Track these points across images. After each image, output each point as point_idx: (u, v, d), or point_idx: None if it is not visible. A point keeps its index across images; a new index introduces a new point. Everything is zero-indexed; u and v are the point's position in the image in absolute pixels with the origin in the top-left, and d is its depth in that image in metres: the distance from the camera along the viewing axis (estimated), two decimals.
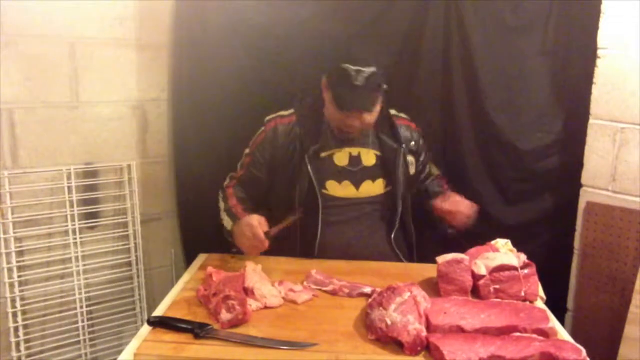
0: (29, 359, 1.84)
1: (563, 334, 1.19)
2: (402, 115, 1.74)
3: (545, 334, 1.12)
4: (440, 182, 1.81)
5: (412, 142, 1.70)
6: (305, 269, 1.47)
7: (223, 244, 1.65)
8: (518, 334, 1.11)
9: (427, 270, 1.47)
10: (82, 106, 1.84)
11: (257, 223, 1.44)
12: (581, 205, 1.90)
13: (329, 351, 1.10)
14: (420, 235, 1.75)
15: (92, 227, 1.92)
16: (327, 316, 1.25)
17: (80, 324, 1.90)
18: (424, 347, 1.10)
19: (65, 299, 1.88)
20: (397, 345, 1.11)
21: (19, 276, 1.79)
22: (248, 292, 1.28)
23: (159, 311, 1.27)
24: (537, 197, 2.01)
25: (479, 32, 1.90)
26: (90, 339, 1.94)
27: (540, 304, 1.32)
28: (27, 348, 1.83)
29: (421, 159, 1.75)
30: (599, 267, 1.85)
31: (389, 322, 1.12)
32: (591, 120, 1.85)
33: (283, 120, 1.67)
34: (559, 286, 1.92)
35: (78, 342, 1.91)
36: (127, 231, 1.97)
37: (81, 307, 1.89)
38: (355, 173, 1.63)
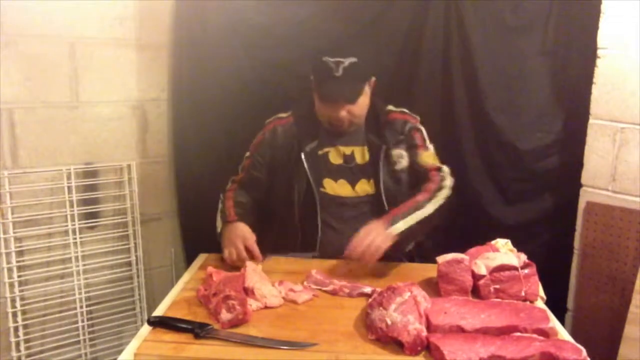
0: (29, 359, 1.84)
1: (563, 334, 1.19)
2: (397, 109, 1.71)
3: (545, 334, 1.12)
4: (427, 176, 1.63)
5: (402, 136, 1.65)
6: (305, 269, 1.47)
7: (220, 243, 1.65)
8: (518, 334, 1.11)
9: (427, 270, 1.47)
10: (82, 106, 1.84)
11: (242, 239, 1.47)
12: (581, 205, 1.90)
13: (329, 351, 1.10)
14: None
15: (92, 227, 1.92)
16: (327, 316, 1.25)
17: (80, 324, 1.90)
18: (424, 347, 1.10)
19: (65, 299, 1.88)
20: (397, 345, 1.11)
21: (19, 276, 1.79)
22: (248, 292, 1.28)
23: (159, 311, 1.27)
24: (537, 197, 2.01)
25: (479, 32, 1.90)
26: (90, 339, 1.94)
27: (540, 304, 1.32)
28: (27, 348, 1.83)
29: (415, 149, 1.66)
30: (599, 267, 1.85)
31: (389, 322, 1.12)
32: (591, 120, 1.85)
33: (282, 121, 1.70)
34: (559, 286, 1.92)
35: (78, 342, 1.91)
36: (127, 231, 1.97)
37: (81, 307, 1.89)
38: (351, 172, 1.64)
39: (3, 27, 1.66)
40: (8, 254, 1.76)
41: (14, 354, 1.79)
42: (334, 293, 1.36)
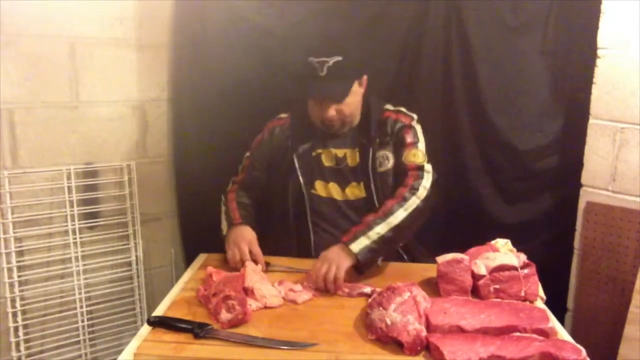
0: (29, 359, 1.84)
1: (563, 334, 1.19)
2: (393, 108, 1.69)
3: (545, 334, 1.12)
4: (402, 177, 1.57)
5: (388, 137, 1.62)
6: (305, 269, 1.47)
7: (223, 244, 1.65)
8: (518, 334, 1.11)
9: (427, 270, 1.47)
10: (82, 106, 1.84)
11: (245, 244, 1.47)
12: (581, 205, 1.90)
13: (329, 351, 1.10)
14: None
15: (92, 227, 1.92)
16: (327, 316, 1.25)
17: (80, 324, 1.90)
18: (424, 347, 1.10)
19: (65, 299, 1.88)
20: (397, 345, 1.11)
21: (19, 276, 1.79)
22: (248, 292, 1.28)
23: (159, 311, 1.27)
24: (537, 197, 2.01)
25: (479, 32, 1.90)
26: (90, 339, 1.94)
27: (540, 304, 1.32)
28: (27, 348, 1.83)
29: (400, 149, 1.61)
30: (599, 267, 1.85)
31: (389, 322, 1.12)
32: (591, 120, 1.85)
33: (280, 121, 1.71)
34: (559, 286, 1.92)
35: (78, 342, 1.91)
36: (127, 231, 1.97)
37: (81, 307, 1.89)
38: (342, 174, 1.64)
39: (3, 27, 1.66)
40: (8, 254, 1.76)
41: (14, 354, 1.79)
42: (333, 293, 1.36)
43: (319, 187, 1.64)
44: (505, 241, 1.45)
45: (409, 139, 1.61)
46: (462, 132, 1.99)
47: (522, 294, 1.30)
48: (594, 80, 1.82)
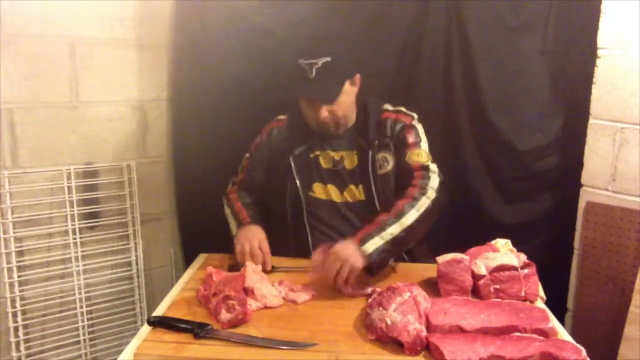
0: (29, 359, 1.84)
1: (563, 334, 1.19)
2: (392, 108, 1.68)
3: (545, 334, 1.12)
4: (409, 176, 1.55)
5: (387, 138, 1.60)
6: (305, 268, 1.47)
7: (223, 244, 1.65)
8: (518, 334, 1.11)
9: (427, 270, 1.47)
10: (82, 106, 1.84)
11: (256, 241, 1.46)
12: (581, 205, 1.90)
13: (329, 351, 1.10)
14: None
15: (92, 227, 1.92)
16: (327, 316, 1.25)
17: (80, 324, 1.90)
18: (424, 347, 1.10)
19: (65, 299, 1.88)
20: (397, 345, 1.11)
21: (19, 276, 1.79)
22: (248, 292, 1.28)
23: (159, 311, 1.27)
24: (537, 197, 2.01)
25: (479, 32, 1.89)
26: (90, 339, 1.94)
27: (540, 304, 1.32)
28: (27, 348, 1.83)
29: (402, 150, 1.59)
30: (599, 267, 1.85)
31: (389, 322, 1.12)
32: (591, 120, 1.85)
33: (279, 123, 1.72)
34: (559, 286, 1.92)
35: (78, 342, 1.91)
36: (127, 231, 1.97)
37: (81, 307, 1.89)
38: (340, 177, 1.63)
39: (3, 27, 1.66)
40: (8, 254, 1.76)
41: (14, 354, 1.79)
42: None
43: (318, 189, 1.64)
44: (505, 241, 1.45)
45: (410, 139, 1.59)
46: (462, 132, 1.99)
47: (522, 294, 1.30)
48: (594, 80, 1.82)
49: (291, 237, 1.63)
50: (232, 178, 1.77)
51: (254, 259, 1.44)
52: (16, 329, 1.79)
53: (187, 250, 2.09)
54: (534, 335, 1.11)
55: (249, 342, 1.13)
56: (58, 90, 1.79)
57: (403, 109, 1.68)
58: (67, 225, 1.84)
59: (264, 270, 1.44)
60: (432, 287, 1.36)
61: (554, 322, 1.18)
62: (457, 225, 2.01)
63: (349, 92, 1.59)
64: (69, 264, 1.86)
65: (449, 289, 1.32)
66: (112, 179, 1.93)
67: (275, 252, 1.57)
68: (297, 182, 1.61)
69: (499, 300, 1.28)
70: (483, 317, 1.17)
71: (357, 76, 1.61)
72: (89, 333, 1.93)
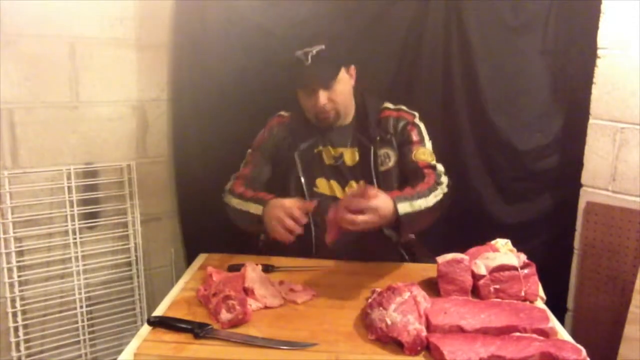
0: (29, 359, 1.84)
1: (563, 334, 1.19)
2: (393, 107, 1.68)
3: (545, 334, 1.12)
4: (417, 173, 1.54)
5: (389, 135, 1.61)
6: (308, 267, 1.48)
7: (223, 244, 1.65)
8: (518, 334, 1.11)
9: (427, 270, 1.47)
10: (82, 106, 1.84)
11: (290, 204, 1.38)
12: (581, 205, 1.90)
13: (329, 351, 1.10)
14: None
15: (92, 227, 1.92)
16: (327, 316, 1.25)
17: (80, 324, 1.90)
18: (424, 347, 1.10)
19: (65, 299, 1.88)
20: (397, 345, 1.11)
21: (19, 276, 1.79)
22: (248, 292, 1.28)
23: (159, 311, 1.27)
24: (537, 197, 2.01)
25: (478, 32, 1.90)
26: (90, 339, 1.94)
27: (540, 304, 1.32)
28: (27, 348, 1.83)
29: (406, 147, 1.60)
30: (599, 267, 1.85)
31: (389, 322, 1.12)
32: (591, 120, 1.85)
33: (282, 119, 1.72)
34: (559, 286, 1.92)
35: (78, 342, 1.91)
36: (127, 231, 1.97)
37: (81, 307, 1.89)
38: (341, 173, 1.63)
39: (3, 27, 1.66)
40: (8, 254, 1.76)
41: (14, 354, 1.79)
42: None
43: (322, 185, 1.63)
44: (505, 241, 1.45)
45: (415, 136, 1.60)
46: (462, 132, 1.99)
47: (522, 294, 1.30)
48: (594, 80, 1.82)
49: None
50: (234, 174, 1.72)
51: (295, 230, 1.36)
52: (16, 329, 1.79)
53: (187, 250, 2.09)
54: (534, 335, 1.11)
55: (249, 342, 1.13)
56: (58, 90, 1.79)
57: (404, 107, 1.68)
58: (67, 225, 1.84)
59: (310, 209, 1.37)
60: (432, 287, 1.36)
61: (554, 322, 1.18)
62: (457, 225, 2.01)
63: (345, 81, 1.60)
64: (69, 264, 1.86)
65: (449, 289, 1.32)
66: (112, 179, 1.93)
67: (277, 251, 1.57)
68: (302, 178, 1.61)
69: (499, 300, 1.28)
70: (483, 317, 1.17)
71: (352, 67, 1.63)
72: (89, 333, 1.93)
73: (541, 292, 1.36)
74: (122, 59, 1.88)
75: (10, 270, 1.77)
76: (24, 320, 1.81)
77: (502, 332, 1.12)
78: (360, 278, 1.44)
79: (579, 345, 1.08)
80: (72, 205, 1.84)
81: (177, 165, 2.04)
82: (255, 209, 1.48)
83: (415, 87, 1.98)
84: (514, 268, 1.31)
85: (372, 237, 1.61)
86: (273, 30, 1.91)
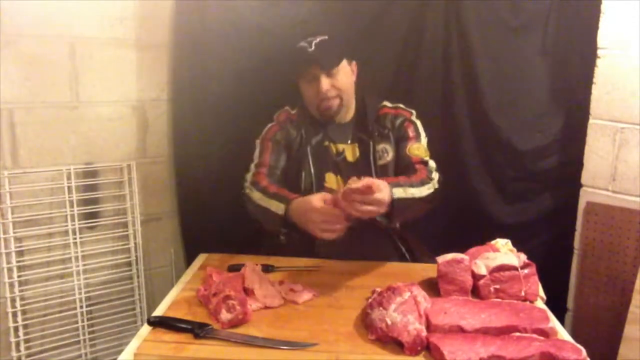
0: (29, 359, 1.84)
1: (563, 334, 1.19)
2: (391, 105, 1.72)
3: (545, 334, 1.12)
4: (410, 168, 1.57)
5: (386, 130, 1.65)
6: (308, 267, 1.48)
7: (223, 244, 1.65)
8: (518, 334, 1.11)
9: (427, 270, 1.47)
10: (82, 106, 1.84)
11: (319, 203, 1.33)
12: (581, 205, 1.90)
13: (329, 351, 1.10)
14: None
15: (92, 227, 1.92)
16: (327, 316, 1.25)
17: (80, 324, 1.90)
18: (424, 347, 1.10)
19: (65, 299, 1.88)
20: (397, 345, 1.11)
21: (19, 276, 1.79)
22: (248, 292, 1.28)
23: (159, 311, 1.27)
24: (537, 197, 2.01)
25: (478, 32, 1.90)
26: (90, 339, 1.94)
27: (540, 304, 1.32)
28: (27, 348, 1.83)
29: (402, 143, 1.64)
30: (599, 267, 1.85)
31: (389, 322, 1.12)
32: (591, 120, 1.85)
33: (290, 115, 1.73)
34: (559, 286, 1.92)
35: (78, 342, 1.91)
36: (127, 231, 1.97)
37: (81, 307, 1.89)
38: (344, 168, 1.65)
39: (3, 27, 1.66)
40: (8, 254, 1.76)
41: (14, 354, 1.79)
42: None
43: (330, 180, 1.65)
44: (505, 241, 1.45)
45: (411, 132, 1.65)
46: (462, 132, 1.99)
47: (522, 294, 1.30)
48: (594, 80, 1.82)
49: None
50: (252, 163, 1.66)
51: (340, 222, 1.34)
52: (16, 329, 1.79)
53: (187, 250, 2.09)
54: (534, 335, 1.11)
55: (249, 342, 1.13)
56: (58, 90, 1.79)
57: (402, 105, 1.72)
58: (67, 225, 1.84)
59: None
60: (432, 287, 1.36)
61: (554, 322, 1.18)
62: (457, 225, 2.01)
63: (347, 73, 1.63)
64: (69, 264, 1.86)
65: (449, 289, 1.32)
66: (112, 179, 1.93)
67: (279, 250, 1.57)
68: (312, 173, 1.62)
69: (499, 300, 1.28)
70: (483, 317, 1.17)
71: (354, 63, 1.66)
72: (89, 333, 1.93)
73: (541, 292, 1.36)
74: (122, 59, 1.88)
75: (10, 270, 1.77)
76: (24, 320, 1.81)
77: (502, 332, 1.12)
78: (360, 278, 1.44)
79: (579, 345, 1.08)
80: (72, 205, 1.84)
81: (177, 165, 2.04)
82: (276, 207, 1.46)
83: (415, 87, 1.98)
84: (514, 268, 1.31)
85: (372, 235, 1.62)
86: (273, 30, 1.91)
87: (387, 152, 1.64)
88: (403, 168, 1.61)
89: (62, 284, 1.87)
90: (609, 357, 1.73)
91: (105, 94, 1.87)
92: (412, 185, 1.44)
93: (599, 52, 1.80)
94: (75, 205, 1.84)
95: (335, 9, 1.92)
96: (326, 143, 1.67)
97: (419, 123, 1.68)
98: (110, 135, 1.91)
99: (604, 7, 1.77)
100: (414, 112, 1.71)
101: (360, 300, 1.31)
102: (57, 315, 1.87)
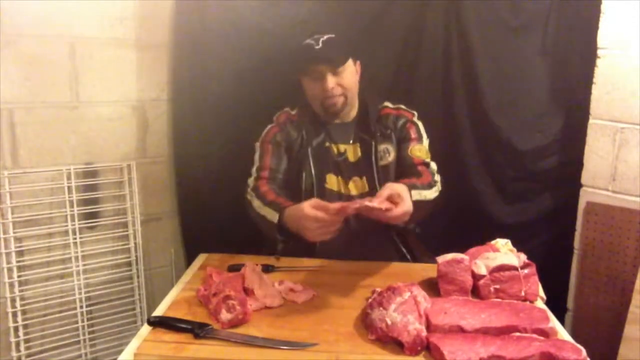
0: (29, 359, 1.84)
1: (563, 334, 1.19)
2: (393, 105, 1.72)
3: (545, 334, 1.12)
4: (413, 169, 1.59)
5: (389, 130, 1.65)
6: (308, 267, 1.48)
7: (223, 244, 1.65)
8: (518, 334, 1.11)
9: (427, 270, 1.47)
10: (82, 106, 1.84)
11: (311, 211, 1.31)
12: (581, 205, 1.90)
13: (329, 351, 1.10)
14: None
15: (92, 227, 1.92)
16: (327, 316, 1.25)
17: (80, 324, 1.90)
18: (424, 347, 1.10)
19: (65, 299, 1.88)
20: (397, 345, 1.11)
21: (19, 276, 1.79)
22: (248, 292, 1.28)
23: (159, 311, 1.27)
24: (537, 197, 2.01)
25: (478, 32, 1.90)
26: (90, 339, 1.94)
27: (540, 304, 1.32)
28: (27, 348, 1.83)
29: (404, 144, 1.64)
30: (599, 267, 1.85)
31: (389, 322, 1.12)
32: (591, 120, 1.85)
33: (290, 116, 1.72)
34: (559, 286, 1.92)
35: (78, 342, 1.91)
36: (127, 231, 1.97)
37: (81, 307, 1.89)
38: (345, 168, 1.65)
39: (3, 27, 1.66)
40: (8, 254, 1.76)
41: (14, 354, 1.79)
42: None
43: (331, 181, 1.64)
44: (505, 241, 1.45)
45: (413, 133, 1.66)
46: (462, 132, 1.99)
47: (522, 294, 1.30)
48: (594, 80, 1.82)
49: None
50: (253, 167, 1.65)
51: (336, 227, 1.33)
52: (16, 329, 1.79)
53: (187, 250, 2.09)
54: (534, 335, 1.11)
55: (249, 342, 1.13)
56: (58, 90, 1.79)
57: (403, 106, 1.72)
58: (67, 225, 1.84)
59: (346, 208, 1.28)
60: (432, 287, 1.36)
61: (554, 322, 1.18)
62: (457, 225, 2.01)
63: (352, 72, 1.63)
64: (69, 264, 1.86)
65: (449, 289, 1.32)
66: (112, 179, 1.93)
67: (280, 250, 1.57)
68: (313, 174, 1.62)
69: (499, 300, 1.28)
70: (483, 317, 1.17)
71: (359, 63, 1.66)
72: (89, 333, 1.93)
73: (541, 292, 1.36)
74: (122, 59, 1.88)
75: (10, 270, 1.77)
76: (24, 320, 1.81)
77: (502, 332, 1.12)
78: (360, 278, 1.44)
79: (579, 345, 1.08)
80: (72, 205, 1.84)
81: (177, 165, 2.04)
82: (271, 215, 1.45)
83: (415, 87, 1.98)
84: (514, 268, 1.31)
85: (373, 235, 1.62)
86: (273, 30, 1.91)
87: (388, 153, 1.64)
88: (404, 169, 1.62)
89: (62, 284, 1.87)
90: (609, 357, 1.73)
91: (105, 94, 1.87)
92: (423, 188, 1.46)
93: (599, 52, 1.80)
94: (75, 205, 1.84)
95: (336, 9, 1.92)
96: (327, 144, 1.67)
97: (420, 124, 1.69)
98: (110, 135, 1.91)
99: (604, 7, 1.77)
100: (415, 113, 1.71)
101: (360, 300, 1.31)
102: (57, 315, 1.87)
